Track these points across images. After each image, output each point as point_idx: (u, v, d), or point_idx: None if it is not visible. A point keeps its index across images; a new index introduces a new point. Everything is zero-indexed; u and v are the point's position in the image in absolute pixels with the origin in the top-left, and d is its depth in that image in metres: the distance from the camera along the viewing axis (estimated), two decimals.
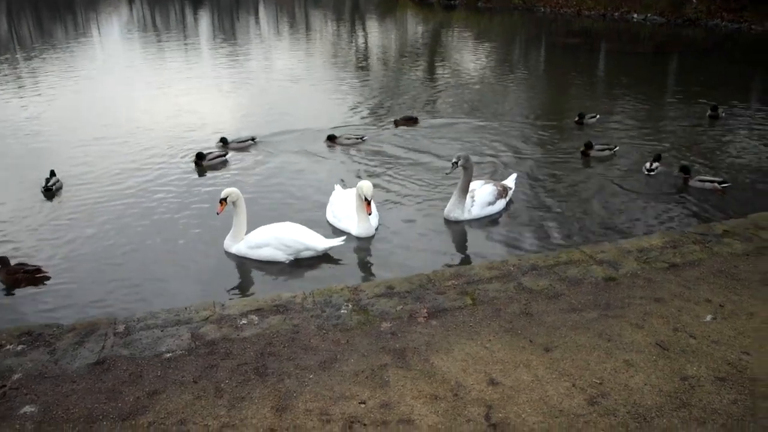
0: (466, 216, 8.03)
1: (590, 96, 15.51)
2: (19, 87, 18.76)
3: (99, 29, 36.84)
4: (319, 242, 7.08)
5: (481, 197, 8.09)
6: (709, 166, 10.00)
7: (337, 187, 8.36)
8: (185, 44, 27.62)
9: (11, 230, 8.22)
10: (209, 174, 10.14)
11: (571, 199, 8.68)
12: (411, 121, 12.65)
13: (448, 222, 8.05)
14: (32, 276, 6.80)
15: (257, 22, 37.83)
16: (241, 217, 7.17)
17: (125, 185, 9.84)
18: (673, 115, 13.22)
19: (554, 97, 15.72)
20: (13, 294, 6.65)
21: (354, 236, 7.45)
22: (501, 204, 8.25)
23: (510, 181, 8.63)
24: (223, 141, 11.39)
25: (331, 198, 8.07)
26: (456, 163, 7.83)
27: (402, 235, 7.64)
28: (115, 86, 18.37)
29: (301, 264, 7.11)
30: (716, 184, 8.99)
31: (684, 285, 5.11)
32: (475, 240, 7.61)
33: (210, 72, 20.40)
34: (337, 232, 7.67)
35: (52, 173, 10.02)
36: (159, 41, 28.96)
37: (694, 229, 6.39)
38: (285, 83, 18.00)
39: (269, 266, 7.05)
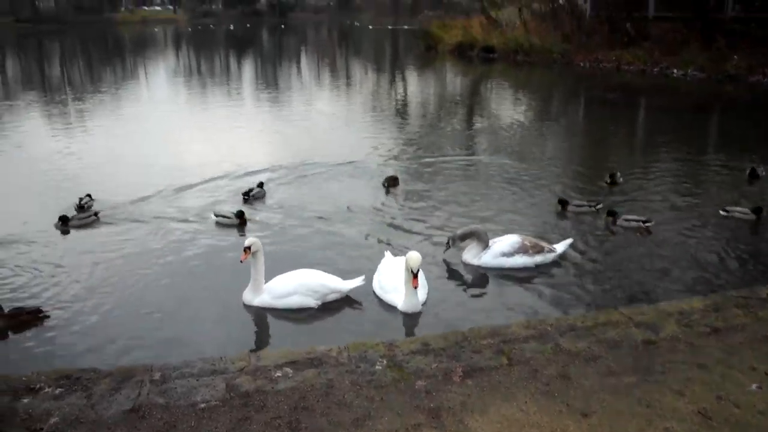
0: (475, 262, 8.16)
1: (628, 152, 15.44)
2: (67, 126, 19.42)
3: (146, 74, 37.94)
4: (343, 284, 7.21)
5: (498, 247, 8.13)
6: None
7: (387, 254, 7.90)
8: (228, 89, 28.31)
9: (37, 261, 8.39)
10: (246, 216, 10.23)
11: (609, 258, 8.55)
12: (394, 181, 11.84)
13: (466, 265, 8.25)
14: (35, 317, 6.83)
15: (299, 70, 38.65)
16: (260, 269, 7.15)
17: (158, 224, 10.01)
18: (712, 173, 13.04)
19: (592, 154, 15.61)
20: (35, 337, 6.64)
21: (400, 311, 6.98)
22: (521, 260, 8.09)
23: (561, 245, 8.38)
24: (245, 197, 11.15)
25: (380, 266, 7.61)
26: (448, 243, 8.37)
27: (436, 286, 7.57)
28: (158, 127, 18.88)
29: (332, 313, 7.10)
30: (640, 223, 9.43)
31: (727, 351, 4.99)
32: (512, 296, 7.52)
33: (251, 116, 21.03)
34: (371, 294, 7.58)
35: (89, 197, 10.86)
36: (203, 86, 29.73)
37: (736, 292, 6.26)
38: (324, 128, 18.36)
39: (297, 314, 7.05)
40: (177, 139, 17.02)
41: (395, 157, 14.48)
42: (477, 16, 43.10)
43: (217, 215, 9.87)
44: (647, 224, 9.44)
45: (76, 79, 36.36)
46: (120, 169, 13.77)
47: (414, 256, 6.69)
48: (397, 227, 9.66)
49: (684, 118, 19.51)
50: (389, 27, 77.74)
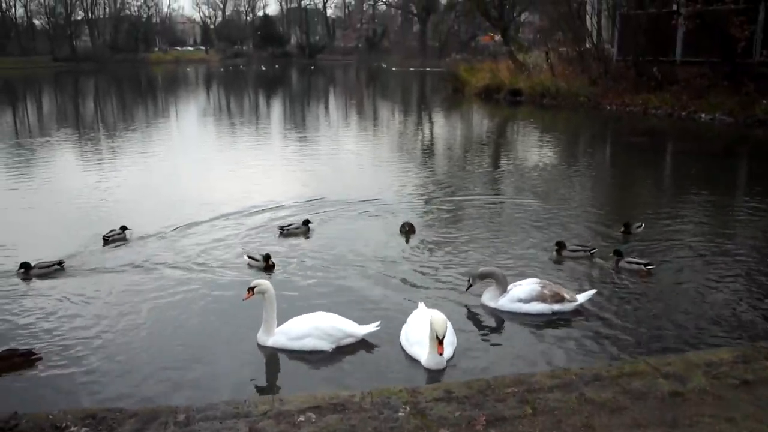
0: (491, 304, 8.19)
1: (654, 197, 15.29)
2: (98, 162, 19.94)
3: (177, 112, 38.72)
4: (357, 329, 7.21)
5: (515, 292, 8.13)
6: None
7: (421, 305, 7.66)
8: (257, 128, 28.78)
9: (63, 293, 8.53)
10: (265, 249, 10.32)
11: (632, 306, 8.41)
12: (411, 227, 11.44)
13: (485, 307, 8.22)
14: (28, 359, 6.81)
15: (327, 110, 39.18)
16: (271, 310, 7.20)
17: (179, 259, 10.10)
18: (741, 219, 12.87)
19: (617, 198, 15.49)
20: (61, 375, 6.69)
21: (423, 366, 6.77)
22: (538, 306, 8.02)
23: (583, 295, 8.22)
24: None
25: (410, 318, 7.37)
26: (469, 282, 8.45)
27: (457, 328, 7.49)
28: (187, 164, 19.28)
29: (348, 357, 7.06)
30: (641, 266, 9.35)
31: (757, 405, 4.88)
32: (534, 343, 7.44)
33: (279, 154, 21.42)
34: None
35: (123, 228, 11.08)
36: (232, 125, 30.25)
37: (766, 343, 6.15)
38: (351, 167, 18.56)
39: (312, 357, 7.03)
40: (204, 176, 17.28)
41: (421, 197, 14.56)
42: (504, 60, 43.45)
43: (249, 257, 9.86)
44: (648, 267, 9.35)
45: (109, 116, 37.22)
46: (147, 204, 14.02)
47: (439, 321, 6.47)
48: (418, 272, 9.54)
49: (712, 163, 19.38)
50: (417, 69, 78.64)
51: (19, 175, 17.53)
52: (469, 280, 8.47)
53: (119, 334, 7.59)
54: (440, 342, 6.42)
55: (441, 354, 6.51)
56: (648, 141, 23.53)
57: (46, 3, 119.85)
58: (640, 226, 11.39)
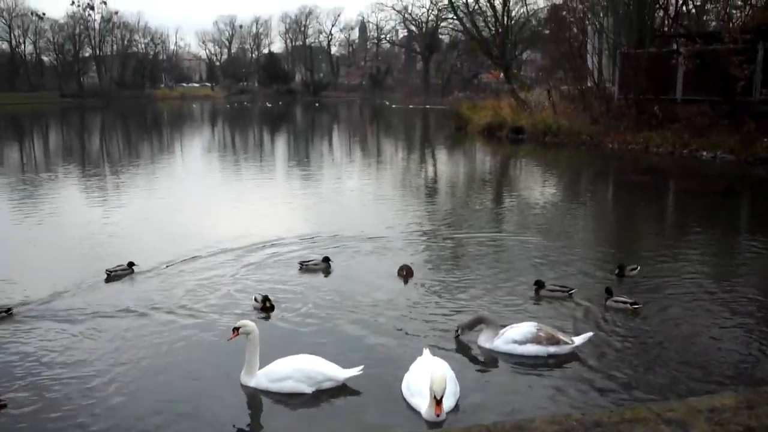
0: (487, 345, 8.17)
1: (655, 235, 15.27)
2: (103, 197, 20.09)
3: (182, 148, 39.00)
4: (339, 372, 7.14)
5: (510, 334, 8.11)
6: None
7: (426, 351, 7.41)
8: (261, 164, 28.95)
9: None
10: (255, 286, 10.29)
11: (631, 348, 8.30)
12: (411, 271, 11.25)
13: (481, 348, 8.20)
14: None
15: (331, 146, 39.43)
16: (254, 352, 7.23)
17: (168, 299, 10.06)
18: (743, 259, 12.84)
19: (618, 237, 15.42)
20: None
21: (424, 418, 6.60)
22: (533, 348, 7.97)
23: (579, 338, 8.13)
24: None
25: (412, 366, 7.16)
26: (457, 332, 8.42)
27: (457, 374, 7.40)
28: (190, 201, 19.34)
29: (330, 401, 7.01)
30: (627, 305, 9.34)
31: None
32: (532, 386, 7.36)
33: (282, 190, 21.57)
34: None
35: (131, 264, 11.19)
36: (237, 161, 30.44)
37: None
38: (353, 204, 18.59)
39: (293, 399, 7.00)
40: (208, 212, 17.35)
41: (423, 234, 14.57)
42: (506, 98, 43.79)
43: (255, 299, 9.73)
44: (635, 306, 9.33)
45: (115, 152, 37.51)
46: (150, 239, 14.09)
47: (438, 379, 6.29)
48: (416, 315, 9.41)
49: (714, 201, 19.39)
50: (420, 107, 79.28)
51: (24, 210, 17.61)
52: (457, 330, 8.47)
53: (96, 379, 7.48)
54: (438, 402, 6.29)
55: (438, 415, 6.35)
56: (649, 179, 23.59)
57: (55, 40, 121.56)
58: (636, 268, 11.18)
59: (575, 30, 38.36)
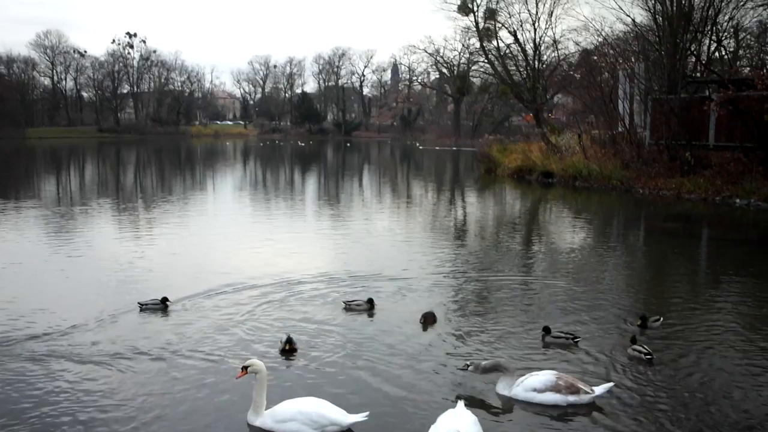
0: (506, 393, 8.11)
1: (686, 284, 15.00)
2: (135, 232, 20.45)
3: (214, 185, 39.56)
4: (343, 417, 7.14)
5: (530, 382, 8.05)
6: None
7: (460, 404, 7.13)
8: (292, 203, 29.21)
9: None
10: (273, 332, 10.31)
11: (653, 400, 8.08)
12: (434, 317, 11.04)
13: (499, 396, 8.13)
14: None
15: (360, 186, 39.66)
16: (261, 391, 7.32)
17: (199, 334, 10.18)
18: None
19: (647, 284, 15.18)
20: None
21: None
22: (552, 397, 7.89)
23: (600, 388, 8.01)
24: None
25: (441, 418, 6.88)
26: (466, 367, 8.42)
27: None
28: (220, 237, 19.54)
29: None
30: (642, 355, 9.26)
31: None
32: None
33: (311, 229, 21.78)
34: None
35: (164, 300, 11.36)
36: (267, 199, 30.75)
37: None
38: (382, 244, 18.59)
39: None
40: (236, 249, 17.51)
41: (450, 276, 14.56)
42: (536, 141, 43.86)
43: (283, 342, 9.62)
44: (648, 357, 9.21)
45: (148, 186, 38.19)
46: (177, 274, 14.35)
47: None
48: (434, 361, 9.28)
49: (747, 250, 19.10)
50: (450, 148, 79.60)
51: (58, 242, 18.04)
52: (467, 366, 8.42)
53: (107, 414, 7.57)
54: None
55: None
56: (681, 226, 23.34)
57: (95, 77, 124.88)
58: (658, 320, 10.92)
59: (606, 75, 38.48)
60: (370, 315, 11.39)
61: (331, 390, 8.17)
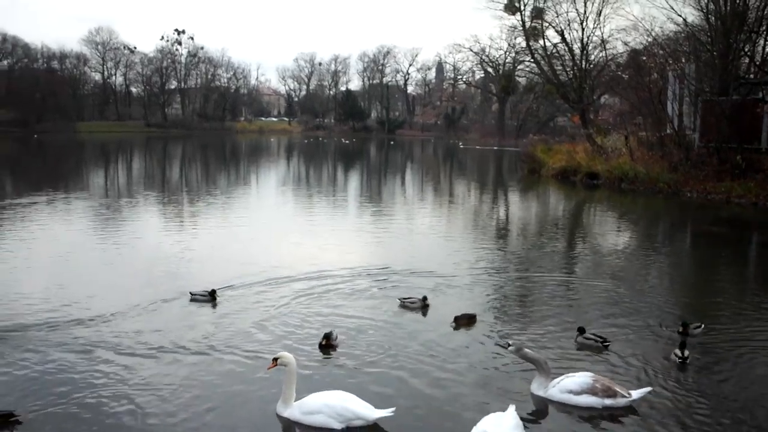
0: (541, 393, 8.01)
1: (733, 291, 14.54)
2: (179, 224, 20.81)
3: (258, 180, 39.97)
4: (369, 412, 7.18)
5: (566, 383, 7.94)
6: None
7: (511, 408, 6.95)
8: (334, 199, 29.36)
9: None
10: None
11: (691, 406, 7.86)
12: (471, 320, 10.80)
13: (533, 396, 8.05)
14: (6, 420, 6.91)
15: (403, 184, 39.65)
16: (290, 383, 7.43)
17: (237, 326, 10.27)
18: None
19: (693, 289, 14.79)
20: None
21: None
22: (588, 399, 7.78)
23: (637, 392, 7.86)
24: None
25: (483, 419, 6.81)
26: (506, 345, 8.41)
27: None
28: (262, 231, 19.84)
29: None
30: (677, 358, 9.16)
31: None
32: None
33: (352, 225, 21.90)
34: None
35: (213, 292, 11.52)
36: (310, 195, 30.94)
37: None
38: (423, 241, 18.57)
39: None
40: (278, 242, 17.70)
41: (492, 273, 14.50)
42: (582, 142, 43.27)
43: (323, 336, 9.61)
44: (681, 360, 9.07)
45: (193, 180, 38.77)
46: (219, 265, 14.51)
47: None
48: (469, 362, 9.12)
49: None
50: (494, 148, 79.09)
51: (104, 233, 18.51)
52: (508, 344, 8.39)
53: (139, 401, 7.69)
54: None
55: None
56: (730, 231, 22.78)
57: (144, 72, 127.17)
58: (699, 327, 10.53)
59: (655, 75, 37.73)
60: (424, 313, 11.31)
61: (362, 384, 8.21)
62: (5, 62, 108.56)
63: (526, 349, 8.32)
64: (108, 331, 9.97)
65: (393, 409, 7.22)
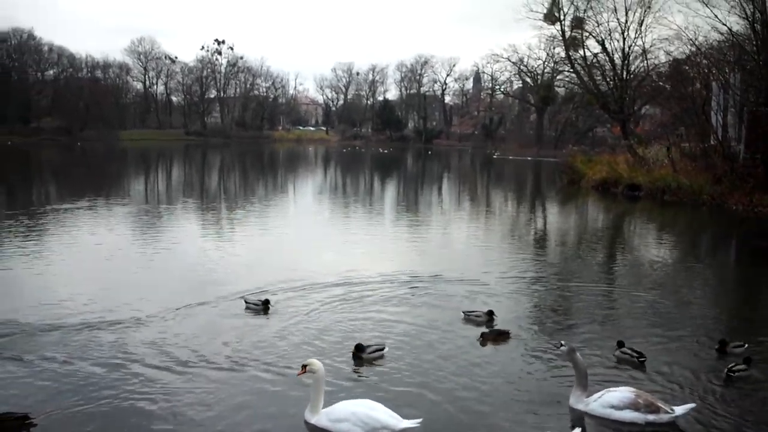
0: (580, 407, 7.80)
1: None
2: (217, 231, 20.97)
3: (295, 188, 40.15)
4: (395, 422, 7.14)
5: (607, 398, 7.73)
6: None
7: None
8: (371, 208, 29.32)
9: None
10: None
11: (735, 425, 7.60)
12: (502, 336, 10.42)
13: (573, 410, 7.84)
14: (21, 423, 6.90)
15: (440, 194, 39.47)
16: (318, 390, 7.44)
17: (271, 332, 10.24)
18: None
19: (737, 306, 14.33)
20: None
21: None
22: (630, 415, 7.56)
23: (681, 408, 7.63)
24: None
25: None
26: (560, 345, 8.13)
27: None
28: (299, 238, 19.87)
29: None
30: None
31: None
32: None
33: (388, 232, 21.85)
34: None
35: (266, 302, 11.42)
36: (346, 204, 30.94)
37: None
38: (459, 249, 18.49)
39: None
40: (315, 250, 17.65)
41: (530, 281, 14.34)
42: (622, 153, 42.61)
43: (365, 348, 9.47)
44: (733, 372, 8.83)
45: (231, 188, 39.08)
46: (257, 271, 14.51)
47: None
48: (507, 374, 8.93)
49: None
50: (532, 158, 78.45)
51: (144, 238, 18.73)
52: (562, 344, 8.14)
53: (174, 404, 7.72)
54: None
55: None
56: None
57: (184, 82, 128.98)
58: (742, 346, 9.98)
59: (698, 85, 37.01)
60: (488, 326, 10.91)
61: (391, 394, 8.16)
62: (51, 72, 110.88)
63: (578, 354, 8.10)
64: (138, 335, 10.01)
65: (419, 420, 7.18)
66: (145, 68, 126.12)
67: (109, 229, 20.19)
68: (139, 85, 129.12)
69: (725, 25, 34.84)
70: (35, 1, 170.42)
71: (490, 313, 11.24)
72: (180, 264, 15.38)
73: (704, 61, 36.90)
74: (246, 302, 11.60)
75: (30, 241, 17.38)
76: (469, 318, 11.24)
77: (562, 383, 8.52)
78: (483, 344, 10.14)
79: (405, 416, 7.23)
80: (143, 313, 10.95)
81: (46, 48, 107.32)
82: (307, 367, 7.55)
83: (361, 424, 7.15)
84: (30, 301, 11.55)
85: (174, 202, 29.41)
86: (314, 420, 7.38)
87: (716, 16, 35.27)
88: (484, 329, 10.62)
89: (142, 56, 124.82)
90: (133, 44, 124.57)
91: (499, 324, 10.96)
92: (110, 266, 15.04)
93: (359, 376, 8.80)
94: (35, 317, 10.56)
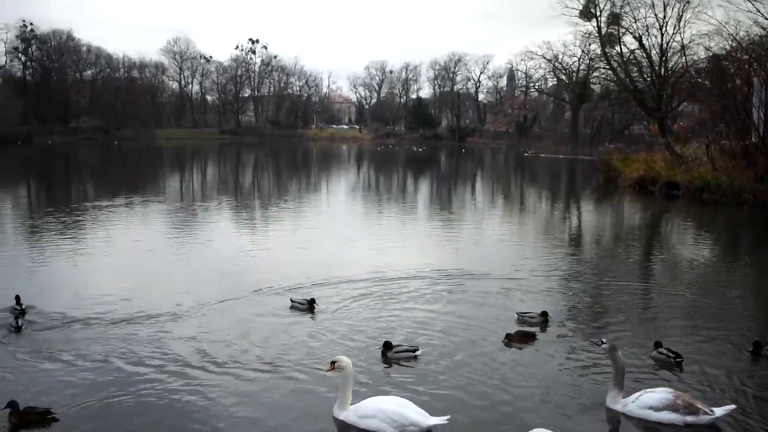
0: (618, 407, 7.68)
1: None
2: (251, 229, 21.14)
3: (328, 187, 40.25)
4: (423, 419, 7.13)
5: (645, 399, 7.60)
6: None
7: None
8: (404, 205, 29.25)
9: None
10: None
11: None
12: (528, 337, 10.16)
13: (609, 410, 7.73)
14: (43, 418, 6.96)
15: (473, 193, 39.24)
16: (347, 387, 7.46)
17: (306, 330, 10.23)
18: None
19: None
20: None
21: None
22: (669, 416, 7.42)
23: (721, 409, 7.46)
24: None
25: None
26: (600, 343, 8.07)
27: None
28: (332, 235, 19.86)
29: None
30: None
31: None
32: None
33: (421, 230, 21.85)
34: None
35: (312, 301, 11.36)
36: (379, 202, 30.92)
37: None
38: (493, 246, 18.39)
39: None
40: (349, 246, 17.76)
41: (565, 278, 14.24)
42: (660, 151, 41.89)
43: (393, 346, 9.37)
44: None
45: (265, 186, 39.33)
46: (290, 268, 14.51)
47: None
48: (538, 375, 8.79)
49: None
50: (567, 156, 77.62)
51: (179, 234, 18.97)
52: (603, 341, 8.07)
53: (200, 399, 7.78)
54: None
55: None
56: None
57: (219, 81, 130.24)
58: None
59: (739, 82, 36.21)
60: (544, 329, 10.70)
61: (421, 392, 8.13)
62: (89, 72, 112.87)
63: (619, 352, 7.95)
64: (174, 331, 10.09)
65: (447, 417, 7.16)
66: (180, 68, 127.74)
67: (146, 226, 20.48)
68: (175, 85, 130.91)
69: (767, 19, 34.09)
70: (73, 3, 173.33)
71: (545, 314, 11.02)
72: (215, 260, 15.52)
73: (745, 57, 36.09)
74: (291, 301, 11.59)
75: (69, 237, 17.71)
76: (524, 319, 11.00)
77: (599, 383, 8.40)
78: (508, 345, 9.93)
79: (433, 413, 7.21)
80: (180, 308, 11.11)
81: (84, 49, 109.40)
82: (336, 364, 7.57)
83: (389, 421, 7.16)
84: (69, 296, 11.82)
85: (209, 200, 29.67)
86: (342, 416, 7.40)
87: (758, 10, 34.54)
88: (512, 331, 10.33)
89: (177, 56, 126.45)
90: (169, 44, 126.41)
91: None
92: (147, 262, 15.26)
93: (389, 374, 8.77)
94: (75, 312, 10.75)
